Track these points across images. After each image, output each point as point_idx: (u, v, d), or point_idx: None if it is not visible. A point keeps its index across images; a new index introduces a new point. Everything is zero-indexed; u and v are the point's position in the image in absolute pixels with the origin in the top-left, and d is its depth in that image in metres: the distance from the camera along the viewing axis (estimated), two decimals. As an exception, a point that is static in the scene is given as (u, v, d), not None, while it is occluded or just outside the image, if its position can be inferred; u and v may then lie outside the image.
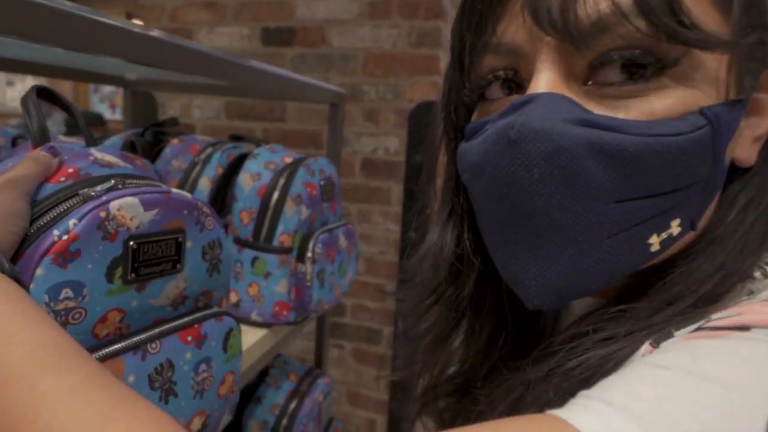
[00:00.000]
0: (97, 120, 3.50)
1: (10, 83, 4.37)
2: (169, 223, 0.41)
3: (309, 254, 0.76)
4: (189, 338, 0.44)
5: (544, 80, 0.32)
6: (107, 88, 4.58)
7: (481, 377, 0.43)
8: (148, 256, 0.40)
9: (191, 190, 0.80)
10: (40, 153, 0.36)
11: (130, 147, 0.81)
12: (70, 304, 0.35)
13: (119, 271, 0.38)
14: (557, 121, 0.30)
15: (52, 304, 0.34)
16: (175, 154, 0.81)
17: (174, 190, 0.42)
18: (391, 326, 1.51)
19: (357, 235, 0.94)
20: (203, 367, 0.45)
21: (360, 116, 1.42)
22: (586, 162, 0.29)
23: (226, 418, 0.50)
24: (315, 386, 0.90)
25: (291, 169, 0.78)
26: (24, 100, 0.42)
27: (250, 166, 0.77)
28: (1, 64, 0.87)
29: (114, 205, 0.37)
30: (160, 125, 0.85)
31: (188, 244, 0.43)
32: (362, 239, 1.50)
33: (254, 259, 0.75)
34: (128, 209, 0.38)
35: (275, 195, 0.76)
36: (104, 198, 0.37)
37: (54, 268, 0.34)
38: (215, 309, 0.48)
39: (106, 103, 4.79)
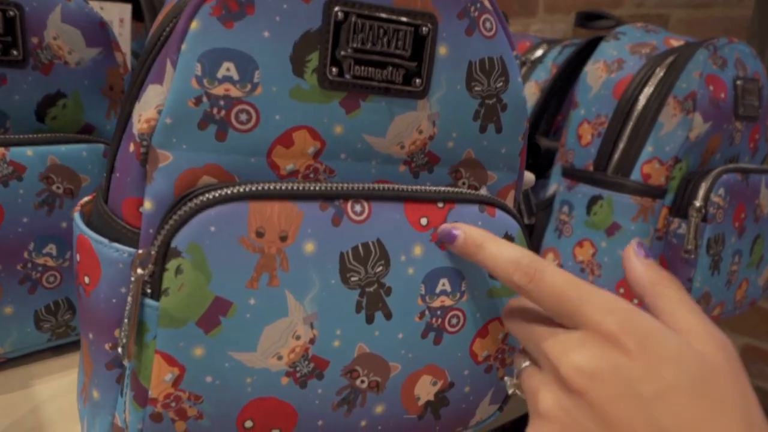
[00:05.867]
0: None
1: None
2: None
3: (698, 203, 0.54)
4: (423, 221, 0.32)
5: None
6: None
7: None
8: (362, 46, 0.29)
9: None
10: None
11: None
12: (233, 90, 0.28)
13: (313, 58, 0.29)
14: None
15: (206, 81, 0.27)
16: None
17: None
18: None
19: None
20: (442, 284, 0.32)
21: None
22: None
23: (487, 408, 0.37)
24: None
25: (680, 54, 0.58)
26: None
27: (606, 50, 0.61)
28: None
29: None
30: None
31: (441, 49, 0.31)
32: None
33: (593, 201, 0.59)
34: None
35: (645, 92, 0.58)
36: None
37: (214, 23, 0.27)
38: (485, 194, 0.34)
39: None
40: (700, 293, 0.55)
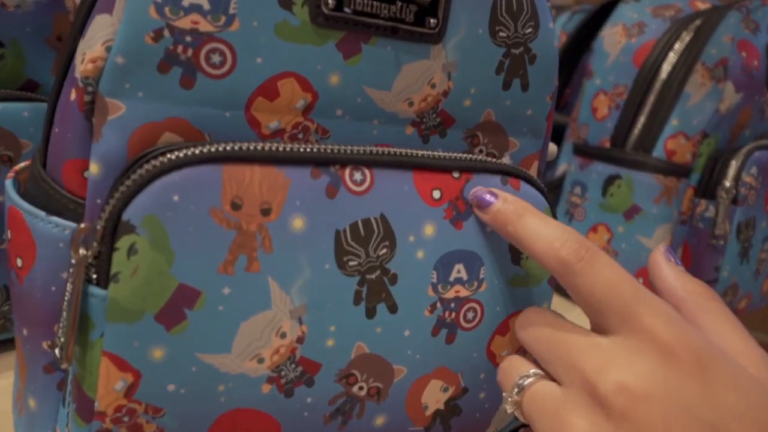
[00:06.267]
0: None
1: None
2: None
3: (728, 183, 0.51)
4: (436, 194, 0.27)
5: None
6: None
7: None
8: (367, -29, 0.24)
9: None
10: None
11: None
12: (202, 23, 0.23)
13: (305, -14, 0.24)
14: None
15: (168, 10, 0.22)
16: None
17: None
18: None
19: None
20: (457, 271, 0.28)
21: None
22: None
23: (504, 416, 0.33)
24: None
25: (708, 17, 0.54)
26: None
27: (625, 13, 0.58)
28: None
29: None
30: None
31: (461, -18, 0.26)
32: None
33: (609, 181, 0.57)
34: None
35: (670, 59, 0.55)
36: None
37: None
38: (508, 163, 0.30)
39: None
40: (728, 284, 0.52)
